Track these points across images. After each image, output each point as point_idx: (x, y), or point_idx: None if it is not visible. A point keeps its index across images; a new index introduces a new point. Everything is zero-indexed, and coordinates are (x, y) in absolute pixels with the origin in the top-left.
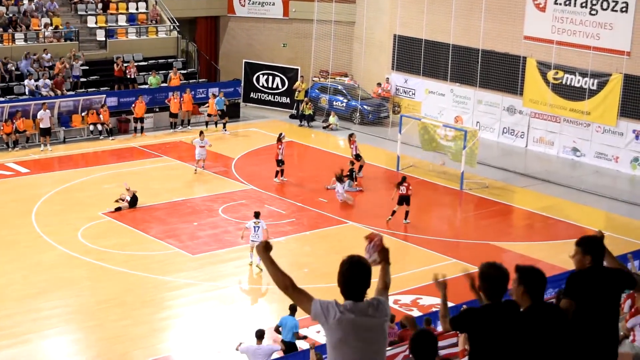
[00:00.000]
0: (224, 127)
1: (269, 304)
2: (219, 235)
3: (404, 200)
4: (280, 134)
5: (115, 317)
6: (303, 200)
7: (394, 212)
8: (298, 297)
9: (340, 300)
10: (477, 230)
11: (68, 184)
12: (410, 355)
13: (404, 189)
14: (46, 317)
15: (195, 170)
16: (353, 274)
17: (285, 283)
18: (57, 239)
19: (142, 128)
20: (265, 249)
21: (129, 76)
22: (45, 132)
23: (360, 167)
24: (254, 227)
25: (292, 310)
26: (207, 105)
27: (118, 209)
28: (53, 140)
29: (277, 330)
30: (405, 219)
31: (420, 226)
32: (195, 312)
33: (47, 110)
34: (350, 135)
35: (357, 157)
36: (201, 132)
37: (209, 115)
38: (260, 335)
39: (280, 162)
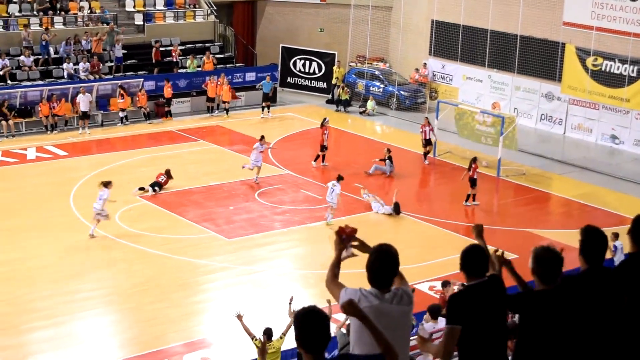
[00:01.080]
0: (268, 109)
1: (305, 289)
2: (255, 219)
3: (470, 182)
4: (325, 119)
5: (151, 300)
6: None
7: (469, 195)
8: (334, 288)
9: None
10: (514, 217)
11: (105, 167)
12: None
13: (472, 170)
14: (82, 300)
15: (256, 180)
16: (379, 263)
17: (328, 276)
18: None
19: (168, 112)
20: (339, 241)
21: (174, 59)
22: (84, 116)
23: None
24: (331, 188)
25: None
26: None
27: (142, 189)
28: (91, 124)
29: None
30: (466, 201)
31: (456, 213)
32: (230, 296)
33: (86, 94)
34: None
35: (428, 142)
36: (262, 137)
37: (224, 102)
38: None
39: (323, 148)
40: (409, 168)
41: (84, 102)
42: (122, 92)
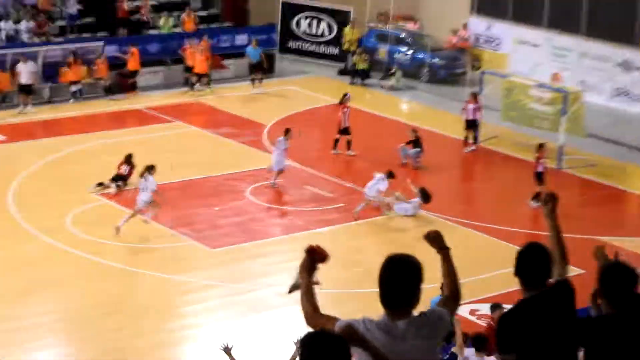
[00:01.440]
0: (257, 82)
1: None
2: (246, 223)
3: (537, 177)
4: (345, 95)
5: (115, 326)
6: (354, 179)
7: (537, 194)
8: (322, 322)
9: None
10: (580, 221)
11: (55, 156)
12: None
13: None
14: (28, 327)
15: (274, 185)
16: (391, 278)
17: (308, 309)
18: (40, 227)
19: (133, 85)
20: (309, 264)
21: (143, 18)
22: (26, 90)
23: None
24: (376, 180)
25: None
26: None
27: (100, 185)
28: (36, 101)
29: None
30: (533, 199)
31: (507, 216)
32: (216, 321)
33: (29, 62)
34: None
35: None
36: (287, 131)
37: (198, 74)
38: None
39: (344, 131)
40: (445, 157)
41: (25, 72)
42: (74, 59)
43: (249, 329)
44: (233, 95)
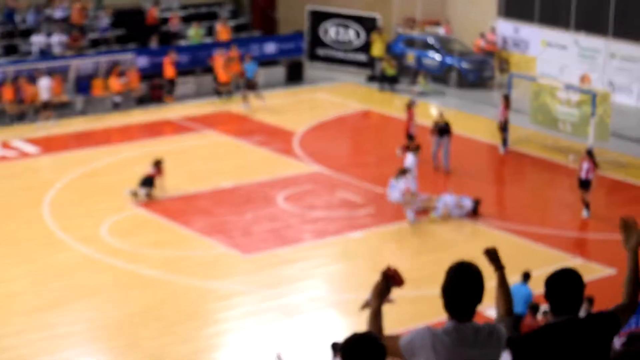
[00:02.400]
0: (259, 97)
1: (344, 317)
2: (279, 230)
3: (582, 185)
4: (411, 100)
5: (151, 335)
6: (385, 185)
7: (587, 204)
8: (389, 343)
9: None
10: (611, 222)
11: (89, 166)
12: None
13: (585, 170)
14: (63, 335)
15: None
16: (460, 284)
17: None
18: (75, 236)
19: (170, 90)
20: (383, 288)
21: (172, 29)
22: (45, 106)
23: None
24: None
25: (525, 277)
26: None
27: (134, 194)
28: (70, 113)
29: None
30: (586, 209)
31: (536, 217)
32: (251, 327)
33: (47, 78)
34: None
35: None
36: (414, 148)
37: (220, 83)
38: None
39: (411, 137)
40: (475, 160)
41: (44, 88)
42: (115, 70)
43: (283, 335)
44: (262, 104)
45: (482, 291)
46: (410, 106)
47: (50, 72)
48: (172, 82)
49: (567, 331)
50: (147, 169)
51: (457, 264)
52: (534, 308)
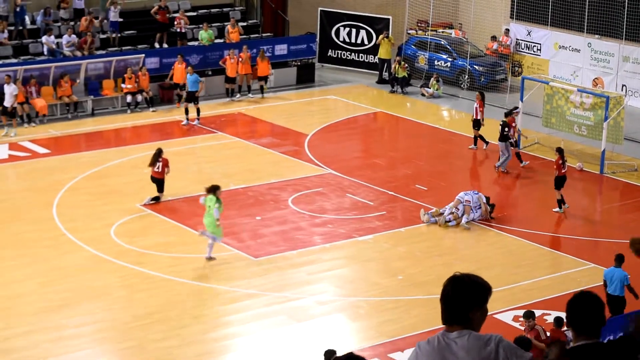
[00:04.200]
0: (197, 114)
1: (353, 321)
2: (289, 232)
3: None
4: (515, 108)
5: (158, 337)
6: (396, 187)
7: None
8: None
9: None
10: (623, 226)
11: (98, 168)
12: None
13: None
14: (71, 337)
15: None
16: (445, 295)
17: None
18: (84, 237)
19: (180, 97)
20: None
21: (180, 29)
22: (6, 112)
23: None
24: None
25: (619, 260)
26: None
27: (156, 200)
28: (80, 113)
29: (605, 284)
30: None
31: (548, 221)
32: (260, 330)
33: (11, 84)
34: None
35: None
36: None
37: (181, 87)
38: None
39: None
40: (487, 162)
41: (9, 94)
42: (130, 72)
43: (291, 338)
44: (273, 106)
45: (472, 303)
46: (512, 113)
47: (61, 73)
48: (182, 87)
49: (593, 355)
50: (151, 166)
51: (454, 276)
52: (558, 321)
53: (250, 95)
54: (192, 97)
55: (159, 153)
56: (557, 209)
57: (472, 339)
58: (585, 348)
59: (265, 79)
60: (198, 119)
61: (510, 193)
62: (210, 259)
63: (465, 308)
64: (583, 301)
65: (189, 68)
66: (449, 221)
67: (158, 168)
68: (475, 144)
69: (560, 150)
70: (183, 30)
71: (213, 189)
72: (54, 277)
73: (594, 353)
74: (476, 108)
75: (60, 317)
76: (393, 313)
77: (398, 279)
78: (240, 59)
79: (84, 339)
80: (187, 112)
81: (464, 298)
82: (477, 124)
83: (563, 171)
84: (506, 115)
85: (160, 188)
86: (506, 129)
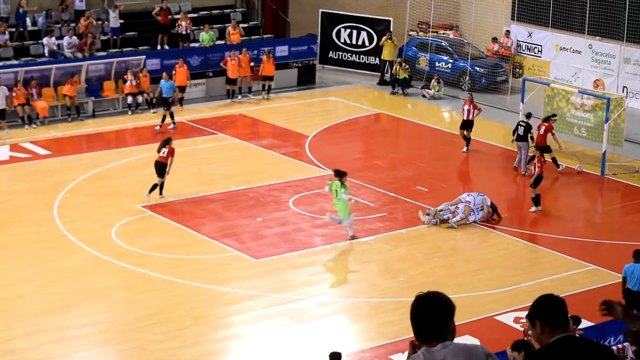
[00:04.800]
0: (171, 118)
1: (354, 322)
2: (289, 233)
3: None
4: (553, 115)
5: (159, 338)
6: (397, 189)
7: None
8: None
9: None
10: (624, 228)
11: (98, 169)
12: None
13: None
14: (71, 338)
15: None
16: (420, 314)
17: None
18: (84, 239)
19: (181, 99)
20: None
21: (179, 31)
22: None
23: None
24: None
25: (638, 256)
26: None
27: (154, 187)
28: (82, 114)
29: (624, 281)
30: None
31: (549, 222)
32: (260, 331)
33: (3, 87)
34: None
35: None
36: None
37: (181, 89)
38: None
39: (547, 149)
40: (489, 164)
41: (0, 96)
42: (131, 73)
43: (292, 339)
44: (274, 107)
45: (446, 319)
46: (548, 120)
47: (72, 73)
48: (182, 89)
49: (573, 344)
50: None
51: (420, 295)
52: (576, 319)
53: (251, 96)
54: (166, 103)
55: (167, 140)
56: (534, 208)
57: (457, 348)
58: (567, 339)
59: (270, 78)
60: (174, 123)
61: (510, 194)
62: (353, 237)
63: (441, 321)
64: (551, 299)
65: (164, 74)
66: (447, 219)
67: (163, 153)
68: (467, 147)
69: (539, 149)
70: (185, 32)
71: (339, 174)
72: (54, 278)
73: (578, 343)
74: (468, 110)
75: (61, 318)
76: (394, 314)
77: (399, 280)
78: (240, 63)
79: (84, 340)
80: (164, 119)
81: (437, 313)
82: (469, 125)
83: (542, 170)
84: (544, 120)
85: (161, 173)
86: (531, 131)
